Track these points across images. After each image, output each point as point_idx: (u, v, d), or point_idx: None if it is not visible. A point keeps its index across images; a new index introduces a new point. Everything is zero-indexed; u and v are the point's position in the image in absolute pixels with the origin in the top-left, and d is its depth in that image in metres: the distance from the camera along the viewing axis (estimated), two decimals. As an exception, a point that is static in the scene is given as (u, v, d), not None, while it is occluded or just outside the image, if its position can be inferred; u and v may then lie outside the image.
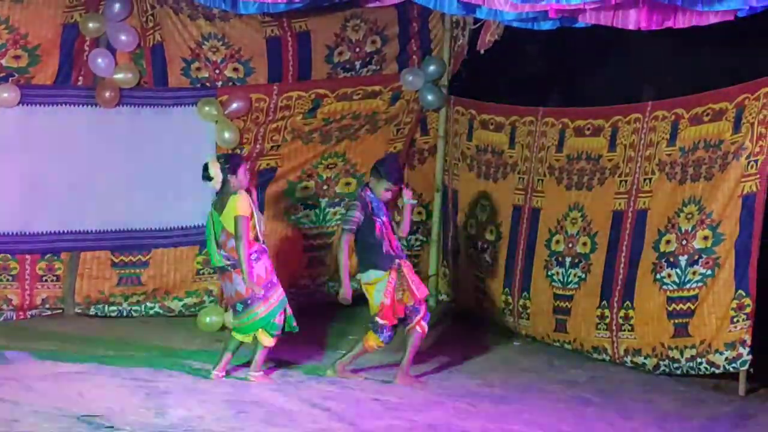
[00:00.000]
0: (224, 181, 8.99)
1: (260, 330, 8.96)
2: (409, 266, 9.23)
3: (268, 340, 8.99)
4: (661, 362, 9.53)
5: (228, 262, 8.95)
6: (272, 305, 8.96)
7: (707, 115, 9.40)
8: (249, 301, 8.91)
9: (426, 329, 9.23)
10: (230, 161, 9.11)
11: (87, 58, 10.75)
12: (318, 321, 10.70)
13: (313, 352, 9.99)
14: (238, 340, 9.06)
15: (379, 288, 9.04)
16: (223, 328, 10.53)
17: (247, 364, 9.12)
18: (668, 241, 9.55)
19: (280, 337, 9.04)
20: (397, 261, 9.08)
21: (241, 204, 8.87)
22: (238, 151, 11.20)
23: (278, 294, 9.01)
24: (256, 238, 8.97)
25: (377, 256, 9.08)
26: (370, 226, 9.07)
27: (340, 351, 9.71)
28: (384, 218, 9.14)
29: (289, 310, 9.06)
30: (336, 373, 9.21)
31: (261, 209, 11.20)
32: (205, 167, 9.04)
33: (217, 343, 9.72)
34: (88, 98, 10.82)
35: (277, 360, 9.46)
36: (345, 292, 9.09)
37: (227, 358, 9.07)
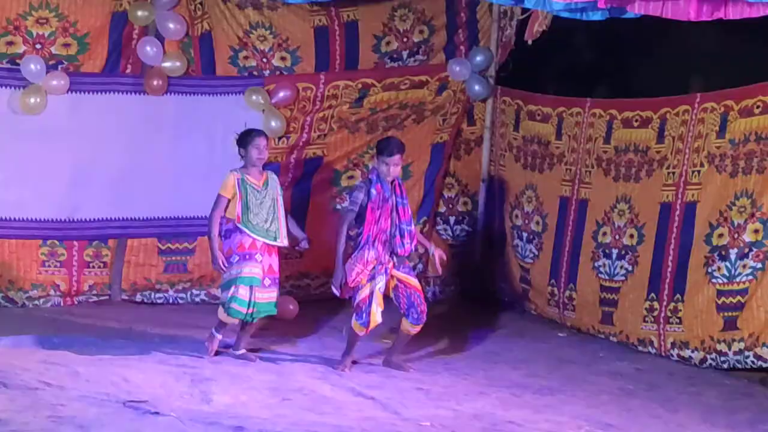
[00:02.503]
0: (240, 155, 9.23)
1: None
2: (402, 264, 9.11)
3: (221, 315, 9.14)
4: (708, 356, 9.47)
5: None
6: (224, 279, 9.14)
7: (758, 107, 9.31)
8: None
9: (411, 331, 9.13)
10: (241, 136, 9.24)
11: (135, 47, 10.81)
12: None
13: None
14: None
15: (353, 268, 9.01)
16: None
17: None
18: (720, 235, 9.47)
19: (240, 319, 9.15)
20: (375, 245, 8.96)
21: (225, 183, 9.12)
22: (285, 140, 11.22)
23: (236, 272, 9.05)
24: (244, 222, 9.05)
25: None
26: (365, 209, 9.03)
27: (384, 341, 9.72)
28: (389, 201, 8.99)
29: (254, 297, 9.07)
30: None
31: (307, 198, 11.28)
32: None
33: (261, 330, 9.75)
34: (136, 86, 10.89)
35: (319, 347, 9.51)
36: (335, 278, 9.01)
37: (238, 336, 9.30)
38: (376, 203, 8.99)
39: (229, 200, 9.10)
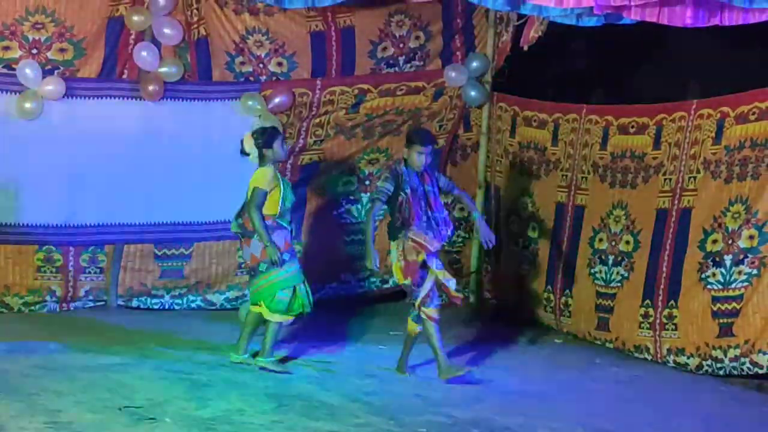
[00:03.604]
0: (261, 156, 9.06)
1: (263, 304, 9.03)
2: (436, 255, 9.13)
3: (270, 315, 9.03)
4: (704, 362, 9.47)
5: (240, 230, 9.05)
6: (279, 279, 8.97)
7: (753, 113, 9.32)
8: (265, 267, 8.95)
9: (418, 328, 9.16)
10: (263, 135, 9.12)
11: (132, 52, 10.80)
12: (358, 316, 10.71)
13: (352, 346, 10.00)
14: (253, 312, 9.15)
15: (392, 255, 9.08)
16: (265, 322, 10.55)
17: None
18: (715, 241, 9.48)
19: (293, 318, 9.08)
20: (406, 233, 8.99)
21: (262, 176, 8.95)
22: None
23: (289, 271, 9.00)
24: (281, 216, 8.99)
25: (392, 226, 9.12)
26: (396, 199, 9.04)
27: (380, 347, 9.73)
28: (418, 190, 9.03)
29: (303, 291, 9.05)
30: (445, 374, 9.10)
31: (303, 203, 11.28)
32: (241, 142, 9.15)
33: (259, 336, 9.74)
34: (133, 91, 10.88)
35: (316, 353, 9.50)
36: (370, 261, 9.00)
37: (246, 336, 9.20)
38: (409, 194, 9.04)
39: (267, 193, 9.00)
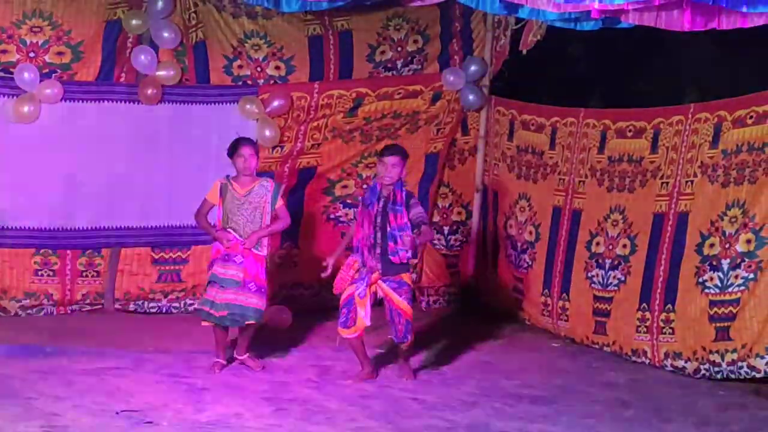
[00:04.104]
0: None
1: None
2: (392, 274, 8.98)
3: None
4: (702, 366, 9.46)
5: None
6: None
7: (751, 117, 9.32)
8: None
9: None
10: (229, 147, 9.27)
11: (129, 55, 10.81)
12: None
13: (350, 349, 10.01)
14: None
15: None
16: (261, 325, 10.57)
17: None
18: (712, 245, 9.47)
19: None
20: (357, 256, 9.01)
21: (212, 188, 9.25)
22: (279, 149, 11.22)
23: (210, 274, 9.18)
24: (219, 224, 9.18)
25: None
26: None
27: (378, 350, 9.73)
28: (370, 206, 8.97)
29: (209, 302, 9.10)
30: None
31: (300, 207, 11.26)
32: None
33: (255, 340, 9.73)
34: (131, 95, 10.88)
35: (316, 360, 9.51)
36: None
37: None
38: (360, 209, 9.08)
39: (215, 205, 9.21)
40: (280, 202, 9.23)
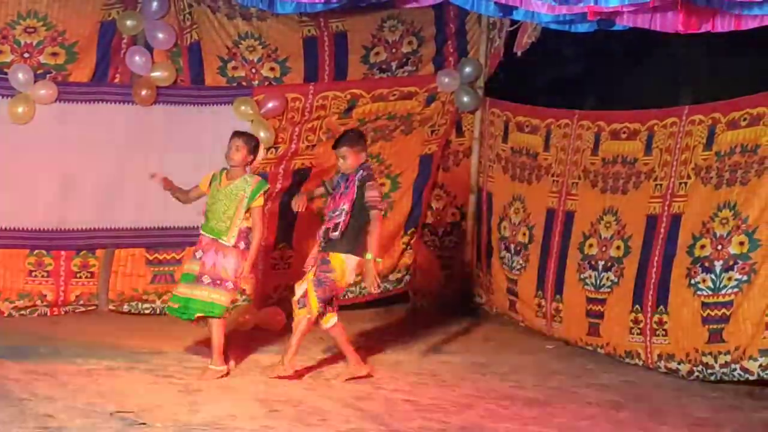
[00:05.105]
0: None
1: None
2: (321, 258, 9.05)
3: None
4: (695, 368, 9.47)
5: None
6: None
7: (744, 119, 9.33)
8: None
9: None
10: None
11: (124, 56, 10.81)
12: (350, 321, 10.68)
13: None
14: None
15: None
16: (255, 327, 10.57)
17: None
18: (703, 246, 9.48)
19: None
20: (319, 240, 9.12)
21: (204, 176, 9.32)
22: (273, 150, 11.21)
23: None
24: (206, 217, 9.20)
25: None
26: None
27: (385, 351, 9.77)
28: (332, 192, 9.16)
29: (181, 292, 9.11)
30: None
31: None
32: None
33: (248, 341, 9.75)
34: (125, 96, 10.87)
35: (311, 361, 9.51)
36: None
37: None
38: (330, 195, 9.25)
39: (204, 193, 9.25)
40: (257, 202, 9.05)
